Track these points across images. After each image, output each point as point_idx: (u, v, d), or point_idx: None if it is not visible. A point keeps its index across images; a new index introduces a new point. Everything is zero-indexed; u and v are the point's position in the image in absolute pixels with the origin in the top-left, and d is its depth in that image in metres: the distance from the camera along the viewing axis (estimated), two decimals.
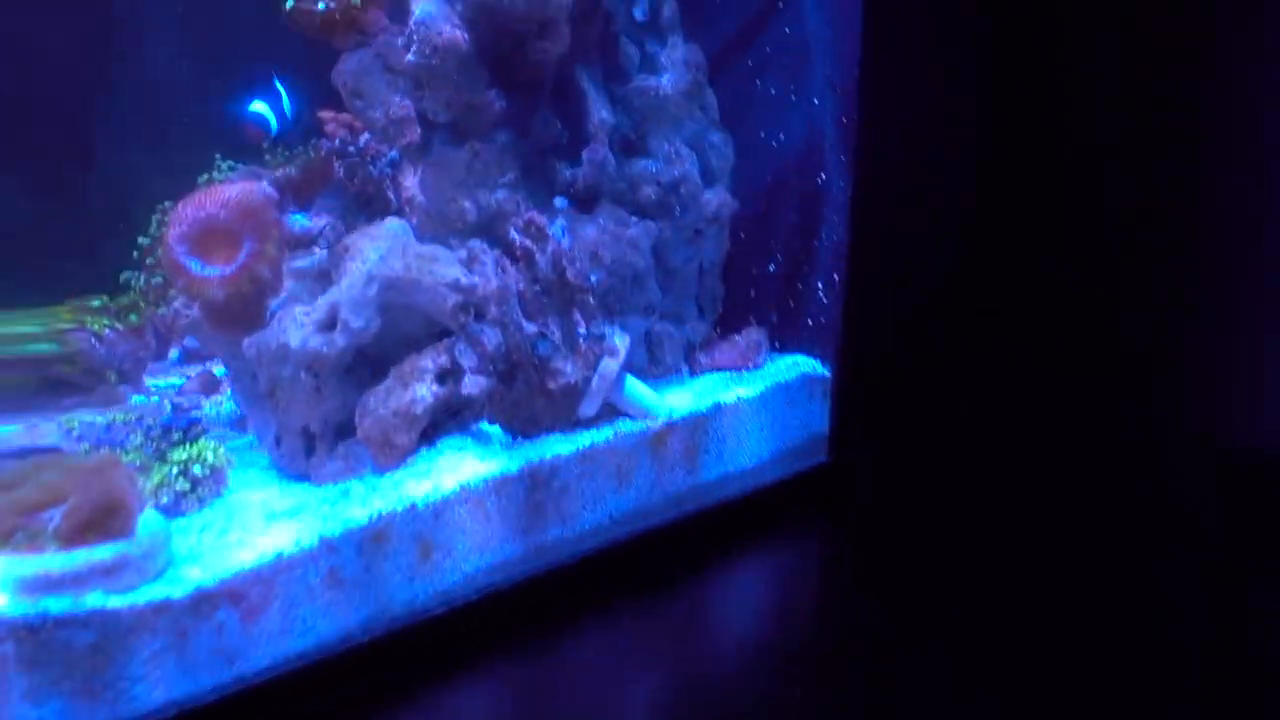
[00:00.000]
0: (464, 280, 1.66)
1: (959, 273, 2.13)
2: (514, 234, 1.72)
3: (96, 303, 1.86)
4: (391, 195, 1.81)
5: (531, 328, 1.70)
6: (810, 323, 2.12)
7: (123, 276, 2.13)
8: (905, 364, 2.12)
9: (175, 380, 2.02)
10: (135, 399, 1.85)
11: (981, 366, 2.17)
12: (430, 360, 1.64)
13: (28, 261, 2.38)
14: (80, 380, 1.77)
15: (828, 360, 2.09)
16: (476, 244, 1.70)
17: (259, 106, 1.65)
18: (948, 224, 2.10)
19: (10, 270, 2.42)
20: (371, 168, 1.76)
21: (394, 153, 1.74)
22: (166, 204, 2.22)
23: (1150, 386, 2.08)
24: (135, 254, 2.24)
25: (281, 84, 1.72)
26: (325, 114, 1.89)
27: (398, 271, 1.62)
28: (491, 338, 1.67)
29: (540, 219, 1.73)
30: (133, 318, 1.83)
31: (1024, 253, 2.18)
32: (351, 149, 1.78)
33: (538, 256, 1.71)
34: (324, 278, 1.64)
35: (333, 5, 1.70)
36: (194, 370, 2.04)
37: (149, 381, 1.99)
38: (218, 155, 2.32)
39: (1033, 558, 1.76)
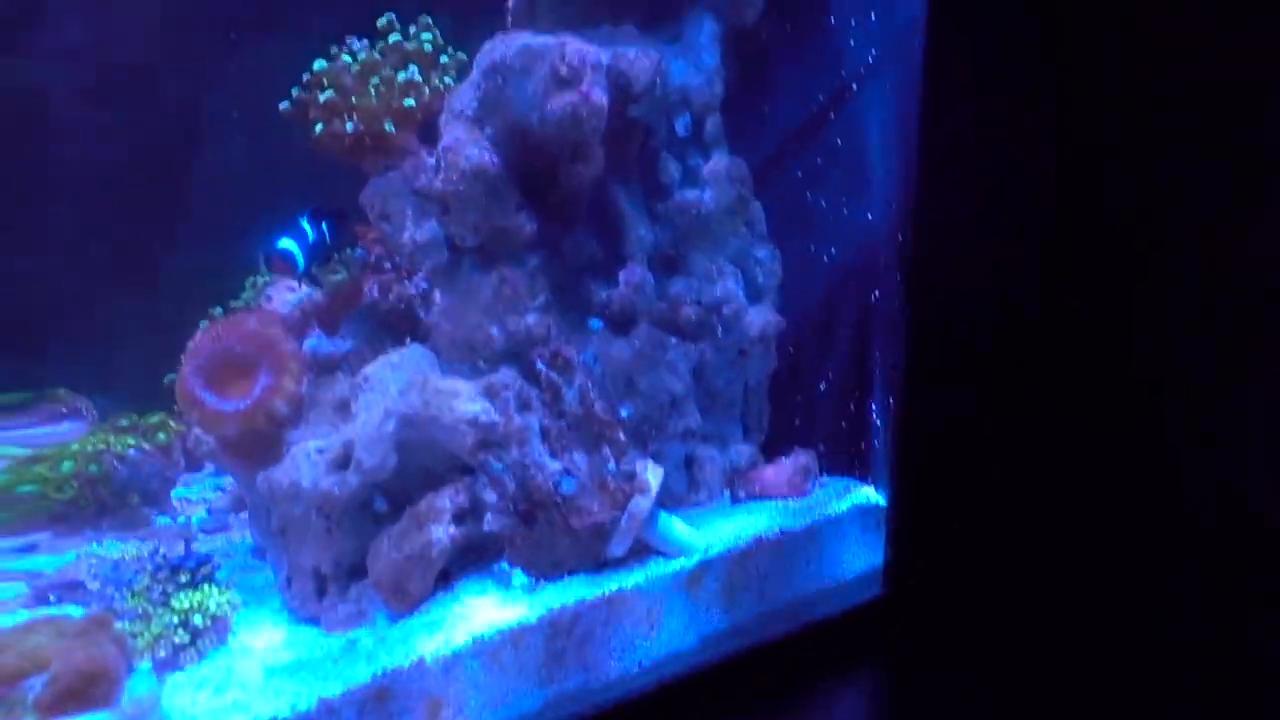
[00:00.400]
0: (483, 418, 1.58)
1: (1026, 398, 1.98)
2: (540, 366, 1.64)
3: (125, 422, 1.84)
4: (421, 315, 1.75)
5: (556, 465, 1.62)
6: (863, 446, 1.99)
7: (166, 379, 2.13)
8: (966, 491, 1.98)
9: (208, 493, 1.99)
10: (159, 520, 1.82)
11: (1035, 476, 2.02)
12: (448, 499, 1.57)
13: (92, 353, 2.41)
14: (108, 500, 1.74)
15: (881, 486, 1.96)
16: (499, 378, 1.63)
17: (287, 243, 1.61)
18: (1014, 353, 1.96)
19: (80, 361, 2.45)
20: (406, 284, 1.72)
21: (422, 277, 1.69)
22: (215, 312, 2.22)
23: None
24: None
25: (310, 219, 1.68)
26: (363, 228, 1.86)
27: (416, 408, 1.56)
28: (512, 477, 1.60)
29: (567, 351, 1.65)
30: (161, 436, 1.81)
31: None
32: (387, 265, 1.74)
33: (564, 390, 1.63)
34: (344, 408, 1.59)
35: (362, 128, 1.66)
36: (228, 482, 2.01)
37: (183, 491, 1.97)
38: (262, 260, 2.32)
39: (1104, 672, 1.59)
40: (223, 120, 2.56)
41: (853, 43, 1.94)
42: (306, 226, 1.67)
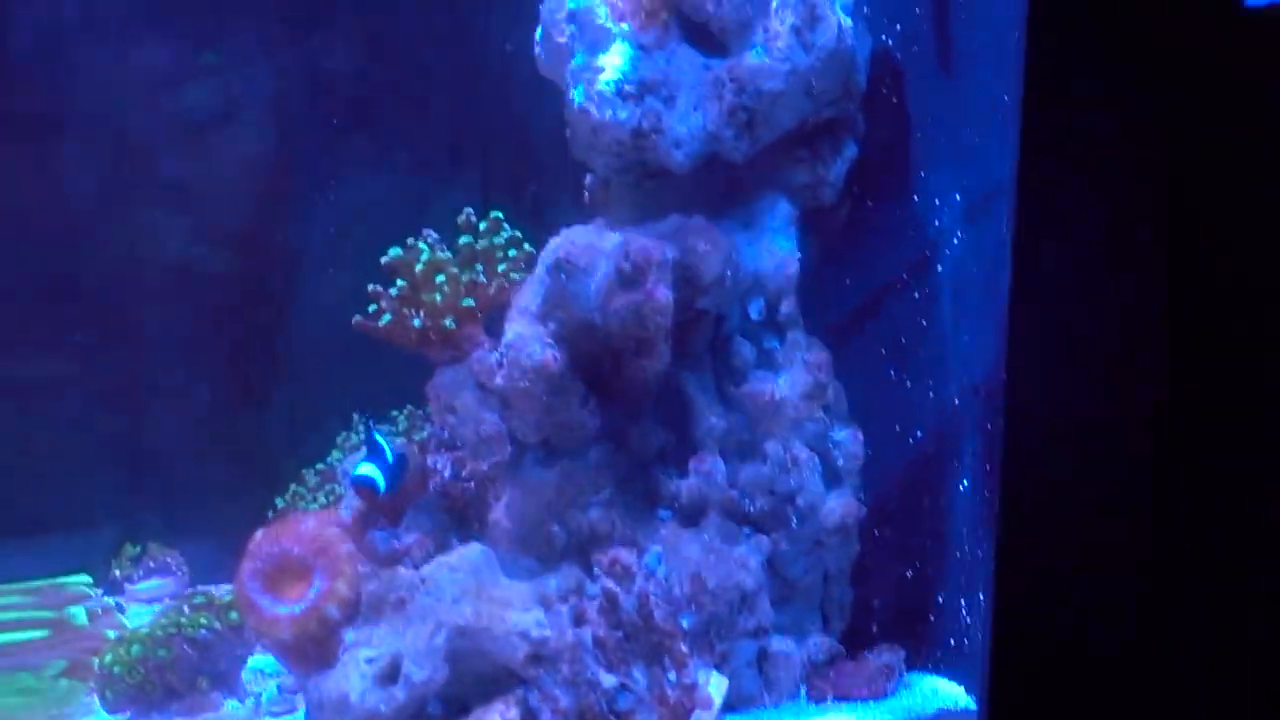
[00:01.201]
0: (534, 633, 1.56)
1: (1133, 604, 1.83)
2: (597, 571, 1.61)
3: (200, 599, 1.88)
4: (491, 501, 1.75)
5: (611, 680, 1.57)
6: (951, 643, 1.88)
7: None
8: (1073, 702, 1.83)
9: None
10: (228, 704, 1.84)
11: None
12: (499, 715, 1.54)
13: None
14: (176, 685, 1.77)
15: (973, 690, 1.83)
16: (556, 584, 1.61)
17: (365, 469, 1.63)
18: (1116, 554, 1.82)
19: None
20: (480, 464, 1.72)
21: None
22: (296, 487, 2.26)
23: None
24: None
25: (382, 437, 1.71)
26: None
27: (468, 619, 1.54)
28: (565, 694, 1.55)
29: (626, 557, 1.61)
30: (233, 615, 1.83)
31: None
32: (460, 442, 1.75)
33: (622, 599, 1.58)
34: (401, 606, 1.58)
35: (428, 323, 1.68)
36: None
37: (257, 662, 1.99)
38: (357, 414, 2.36)
39: None
40: (321, 268, 2.62)
41: (937, 222, 1.88)
42: (383, 441, 1.69)
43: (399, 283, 1.72)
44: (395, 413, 2.33)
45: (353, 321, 1.76)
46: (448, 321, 1.66)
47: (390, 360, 1.97)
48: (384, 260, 1.73)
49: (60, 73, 2.48)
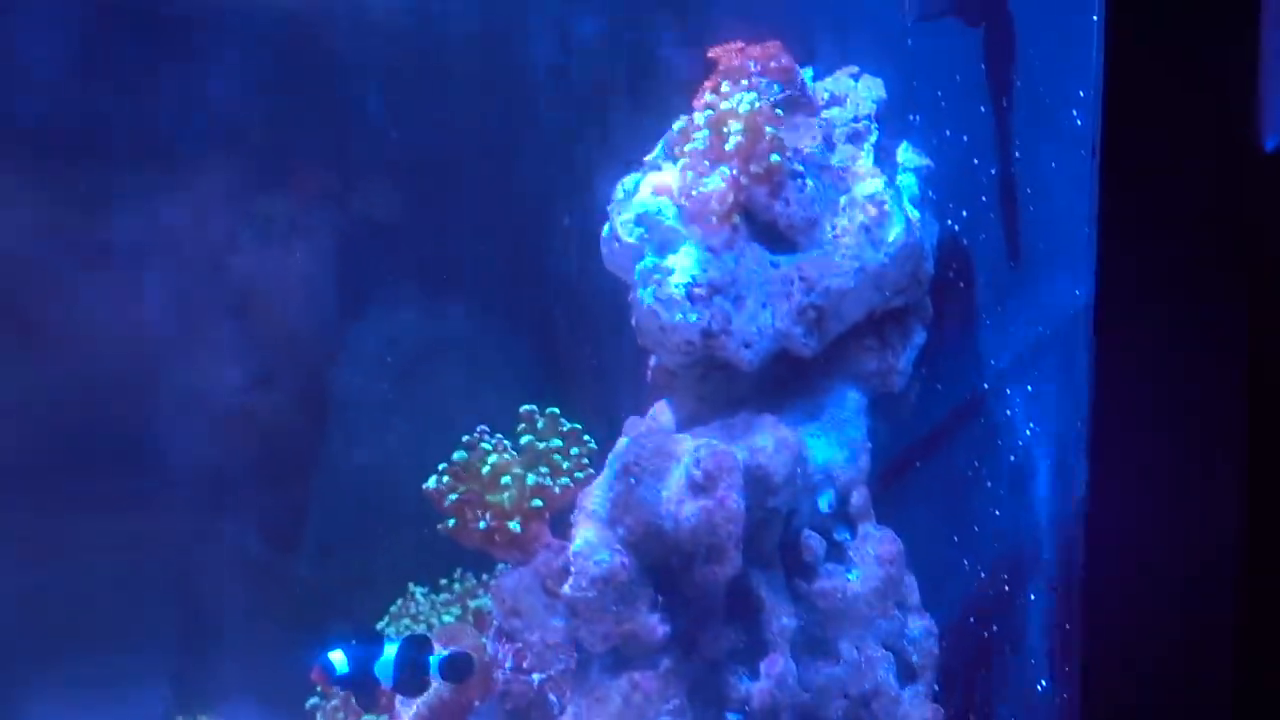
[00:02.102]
0: None
1: None
2: None
3: None
4: (553, 700, 1.74)
5: None
6: None
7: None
8: None
9: None
10: None
11: None
12: None
13: None
14: None
15: None
16: None
17: (336, 655, 1.64)
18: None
19: None
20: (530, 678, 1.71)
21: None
22: None
23: None
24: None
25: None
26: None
27: None
28: None
29: None
30: None
31: None
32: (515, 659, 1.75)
33: None
34: None
35: (493, 524, 1.69)
36: None
37: None
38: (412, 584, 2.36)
39: None
40: (377, 420, 2.65)
41: (1008, 411, 1.88)
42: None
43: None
44: (446, 580, 2.34)
45: (423, 488, 1.79)
46: (513, 524, 1.68)
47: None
48: (450, 462, 1.76)
49: (121, 210, 2.53)
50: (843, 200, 1.81)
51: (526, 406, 1.79)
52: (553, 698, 1.74)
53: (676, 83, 2.02)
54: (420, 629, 2.24)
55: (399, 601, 2.36)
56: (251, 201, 2.57)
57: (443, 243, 2.57)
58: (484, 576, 2.30)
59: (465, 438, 1.78)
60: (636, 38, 2.31)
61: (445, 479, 1.75)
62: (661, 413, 1.90)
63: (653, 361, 1.93)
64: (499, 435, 1.77)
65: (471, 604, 2.27)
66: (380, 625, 2.34)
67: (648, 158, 1.85)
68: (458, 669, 1.75)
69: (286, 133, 2.40)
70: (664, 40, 2.27)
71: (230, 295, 2.61)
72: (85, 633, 2.45)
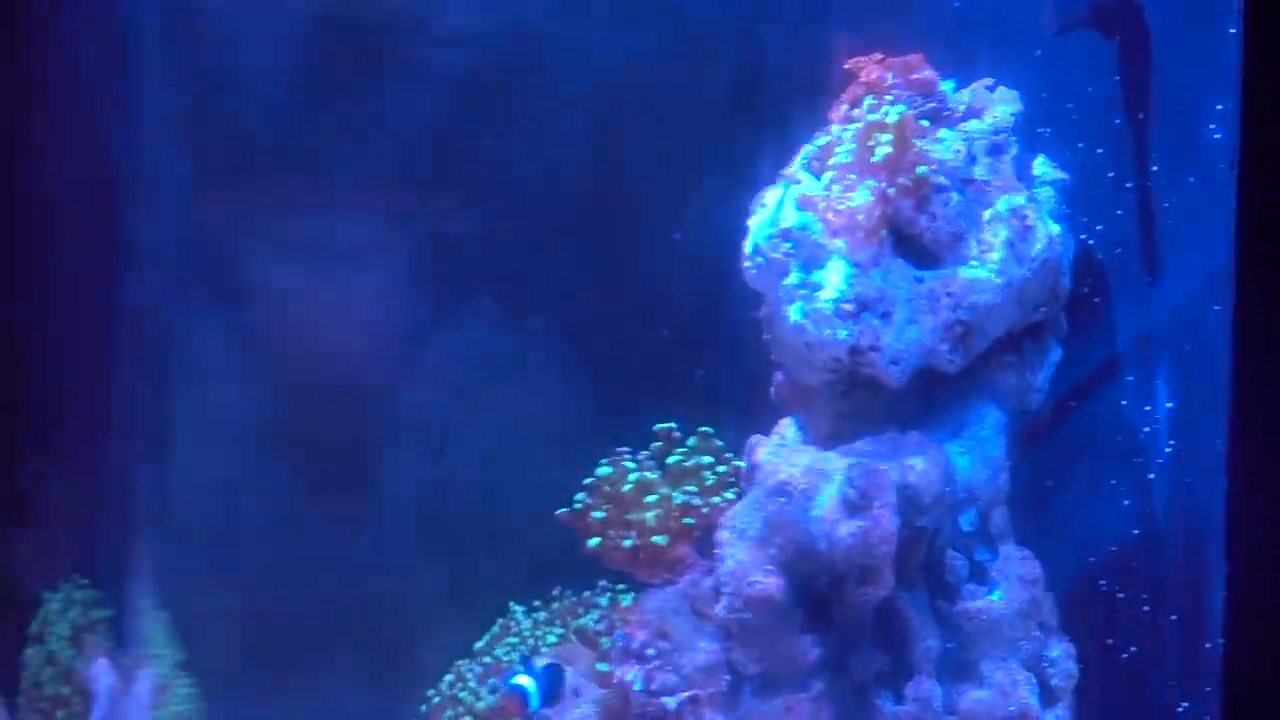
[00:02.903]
0: None
1: None
2: None
3: None
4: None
5: None
6: None
7: None
8: None
9: None
10: None
11: None
12: None
13: None
14: None
15: None
16: None
17: (522, 679, 1.65)
18: None
19: None
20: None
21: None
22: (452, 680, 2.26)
23: None
24: None
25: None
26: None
27: None
28: None
29: None
30: None
31: None
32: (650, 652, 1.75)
33: None
34: None
35: (639, 542, 1.70)
36: None
37: None
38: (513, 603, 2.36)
39: None
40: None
41: (1146, 429, 1.89)
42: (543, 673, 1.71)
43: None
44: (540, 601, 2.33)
45: (556, 515, 1.79)
46: (661, 539, 1.68)
47: (547, 537, 1.99)
48: (594, 478, 1.76)
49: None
50: (986, 214, 1.82)
51: (665, 425, 1.79)
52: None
53: (792, 93, 2.04)
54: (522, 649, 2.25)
55: (499, 621, 2.36)
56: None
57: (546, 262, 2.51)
58: (584, 594, 2.31)
59: (603, 459, 1.79)
60: (746, 46, 2.31)
61: (586, 499, 1.76)
62: (787, 429, 1.90)
63: (778, 378, 1.93)
64: (645, 455, 1.77)
65: (573, 623, 2.27)
66: (479, 645, 2.34)
67: (787, 170, 1.85)
68: (554, 688, 1.77)
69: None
70: (775, 50, 2.27)
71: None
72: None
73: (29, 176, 2.38)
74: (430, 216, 2.40)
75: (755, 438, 1.91)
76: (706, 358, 2.31)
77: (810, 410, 1.86)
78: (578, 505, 1.78)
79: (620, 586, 2.27)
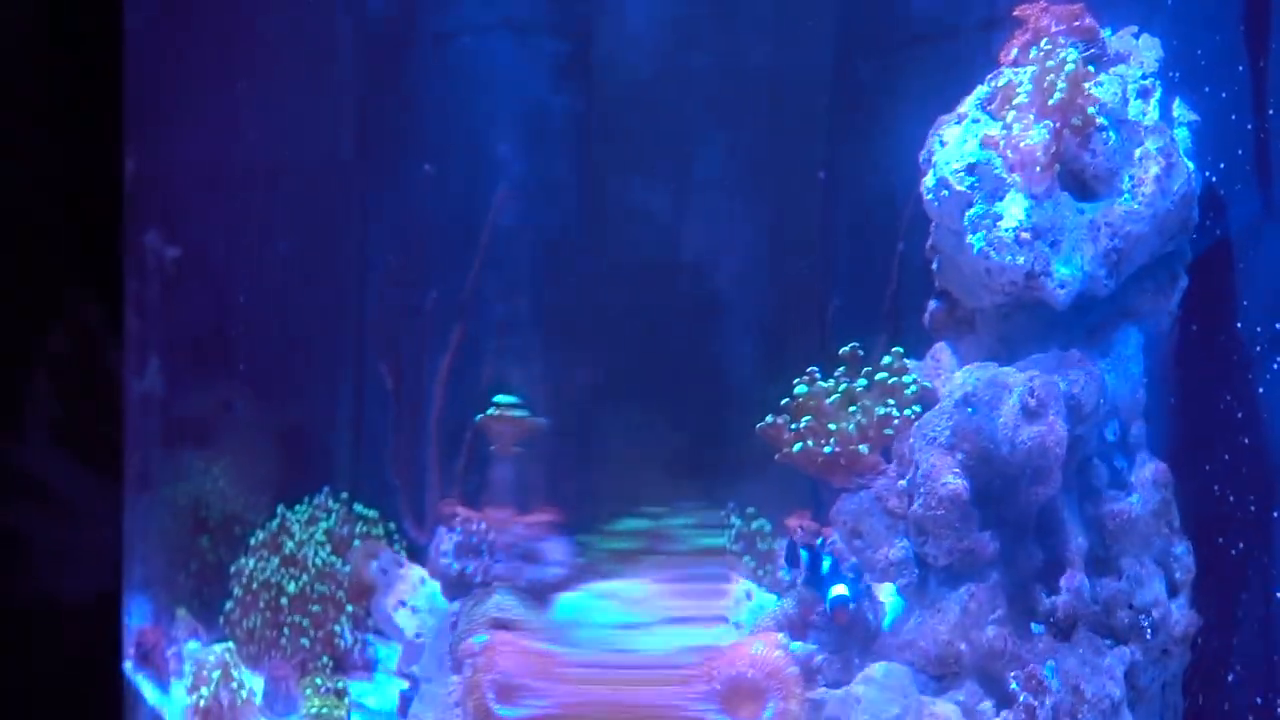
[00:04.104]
0: None
1: None
2: (1016, 686, 1.86)
3: None
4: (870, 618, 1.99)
5: None
6: None
7: None
8: None
9: None
10: None
11: None
12: None
13: None
14: None
15: None
16: (969, 699, 1.86)
17: (839, 589, 1.88)
18: None
19: None
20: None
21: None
22: None
23: None
24: None
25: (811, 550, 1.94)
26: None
27: None
28: None
29: (1040, 672, 1.87)
30: None
31: None
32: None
33: (1039, 713, 1.84)
34: None
35: (838, 449, 1.92)
36: None
37: None
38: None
39: None
40: None
41: (1258, 349, 2.18)
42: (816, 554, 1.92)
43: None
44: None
45: (756, 428, 2.00)
46: (863, 447, 1.91)
47: None
48: (792, 397, 1.98)
49: None
50: (1137, 152, 2.06)
51: (850, 346, 2.02)
52: (870, 616, 1.98)
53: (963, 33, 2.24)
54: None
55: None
56: None
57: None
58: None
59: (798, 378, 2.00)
60: None
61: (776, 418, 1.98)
62: (942, 353, 2.14)
63: (933, 306, 2.17)
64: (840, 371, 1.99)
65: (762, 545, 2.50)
66: None
67: (960, 109, 2.06)
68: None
69: None
70: None
71: None
72: None
73: None
74: None
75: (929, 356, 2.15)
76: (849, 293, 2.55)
77: (974, 332, 2.10)
78: (773, 420, 2.00)
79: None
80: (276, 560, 2.37)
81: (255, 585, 2.38)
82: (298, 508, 2.46)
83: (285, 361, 2.60)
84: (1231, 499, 2.23)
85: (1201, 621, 2.16)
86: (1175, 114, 2.17)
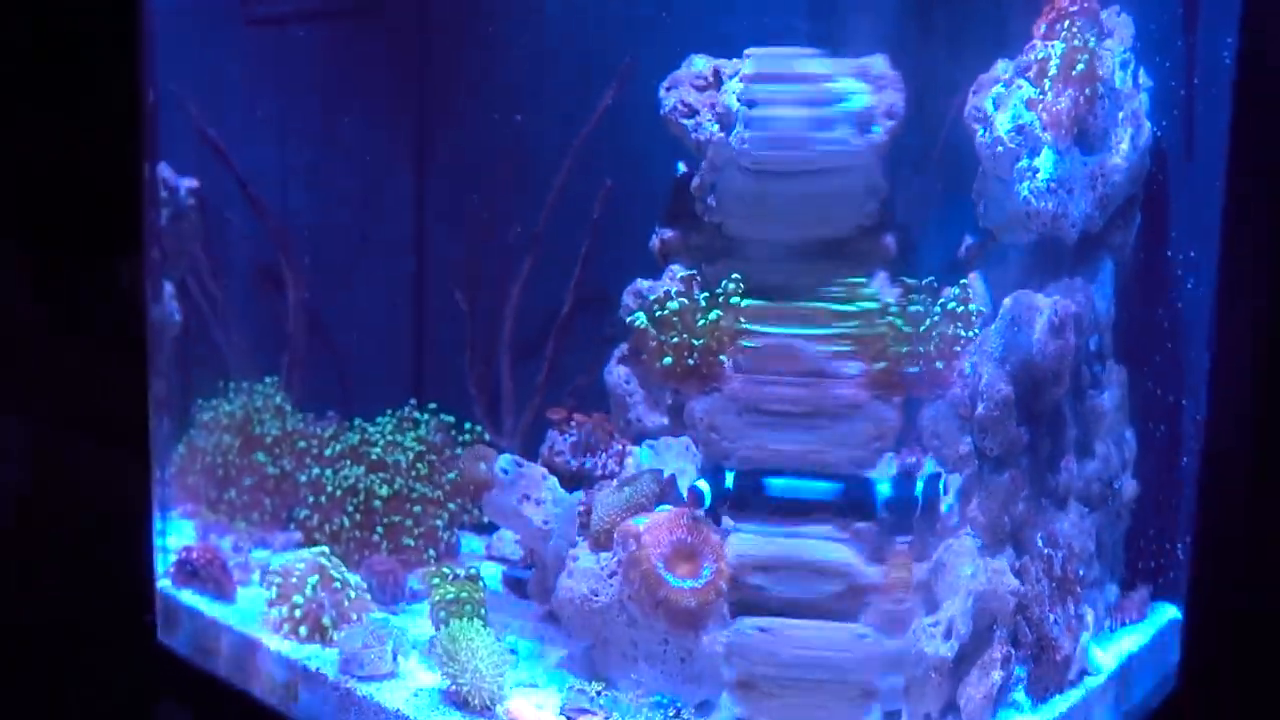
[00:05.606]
0: (1017, 587, 2.42)
1: None
2: (1040, 543, 2.49)
3: None
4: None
5: (1051, 616, 2.47)
6: (1173, 576, 2.96)
7: None
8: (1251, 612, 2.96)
9: None
10: None
11: None
12: (998, 652, 2.39)
13: None
14: None
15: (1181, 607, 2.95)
16: (1011, 557, 2.47)
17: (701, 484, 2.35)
18: None
19: None
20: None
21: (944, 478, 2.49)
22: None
23: None
24: None
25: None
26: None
27: (984, 586, 2.37)
28: (1027, 631, 2.44)
29: (1056, 531, 2.50)
30: None
31: None
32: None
33: (1054, 559, 2.48)
34: (926, 588, 2.38)
35: (923, 365, 2.42)
36: None
37: None
38: None
39: None
40: None
41: (1179, 272, 2.88)
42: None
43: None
44: None
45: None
46: (939, 364, 2.43)
47: None
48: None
49: None
50: (1120, 115, 2.66)
51: (909, 280, 2.51)
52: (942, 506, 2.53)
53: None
54: None
55: None
56: None
57: None
58: None
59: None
60: None
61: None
62: (975, 283, 2.69)
63: (968, 240, 2.70)
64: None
65: None
66: None
67: (996, 73, 2.57)
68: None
69: None
70: None
71: None
72: None
73: None
74: None
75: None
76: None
77: (1003, 265, 2.65)
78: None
79: None
80: (362, 469, 2.59)
81: (339, 492, 2.60)
82: (378, 419, 2.69)
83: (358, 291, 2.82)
84: (1159, 392, 2.97)
85: (1140, 490, 2.90)
86: (1140, 81, 2.79)
